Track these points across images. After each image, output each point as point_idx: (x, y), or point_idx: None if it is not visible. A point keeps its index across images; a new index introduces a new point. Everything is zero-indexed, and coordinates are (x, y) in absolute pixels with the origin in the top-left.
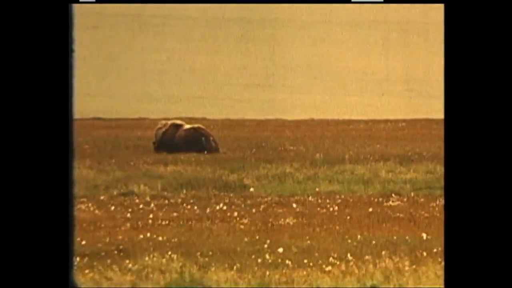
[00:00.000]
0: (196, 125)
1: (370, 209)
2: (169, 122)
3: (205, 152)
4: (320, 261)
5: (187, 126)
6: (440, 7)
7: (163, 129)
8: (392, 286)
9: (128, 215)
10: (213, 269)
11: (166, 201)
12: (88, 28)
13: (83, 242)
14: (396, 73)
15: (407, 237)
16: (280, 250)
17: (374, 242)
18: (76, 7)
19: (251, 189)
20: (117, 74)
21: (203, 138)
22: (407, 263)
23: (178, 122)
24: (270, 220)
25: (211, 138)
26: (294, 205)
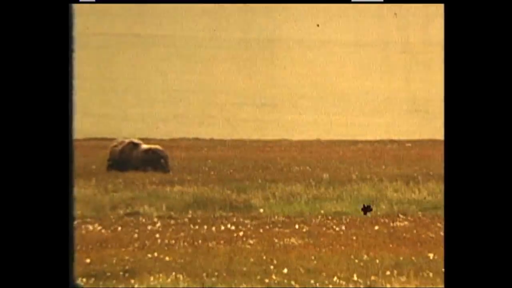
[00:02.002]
0: (153, 146)
1: (376, 229)
2: (126, 141)
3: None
4: (326, 282)
5: (145, 146)
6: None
7: (120, 147)
8: (394, 287)
9: (135, 235)
10: None
11: (173, 221)
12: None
13: (90, 262)
14: (400, 93)
15: (413, 258)
16: (286, 270)
17: (380, 262)
18: (76, 7)
19: (261, 210)
20: (119, 94)
21: (162, 160)
22: (413, 283)
23: (135, 141)
24: (276, 240)
25: (168, 159)
26: (301, 226)
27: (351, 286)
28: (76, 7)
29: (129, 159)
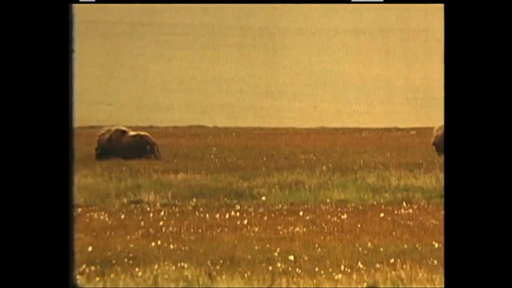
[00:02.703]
0: (141, 133)
1: (381, 217)
2: (113, 129)
3: (149, 158)
4: (330, 269)
5: (132, 133)
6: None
7: (107, 136)
8: (391, 286)
9: (140, 223)
10: (223, 277)
11: (177, 209)
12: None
13: (94, 250)
14: (404, 81)
15: (418, 246)
16: (291, 258)
17: (384, 250)
18: (76, 7)
19: (263, 198)
20: (121, 82)
21: (148, 146)
22: (418, 271)
23: (122, 128)
24: (281, 228)
25: (156, 146)
26: (305, 213)
27: (354, 276)
28: (76, 7)
29: (117, 147)
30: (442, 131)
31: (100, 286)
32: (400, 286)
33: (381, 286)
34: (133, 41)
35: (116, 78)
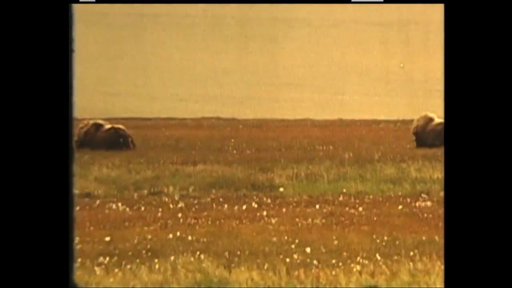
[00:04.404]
0: (116, 126)
1: (399, 209)
2: (91, 122)
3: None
4: (348, 261)
5: (108, 126)
6: None
7: (85, 129)
8: (395, 286)
9: (158, 214)
10: (241, 268)
11: (196, 201)
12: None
13: (112, 241)
14: (424, 73)
15: (436, 237)
16: (308, 250)
17: (402, 242)
18: (76, 7)
19: (281, 189)
20: (143, 74)
21: (121, 139)
22: (435, 263)
23: (100, 122)
24: (299, 220)
25: (130, 138)
26: (323, 205)
27: (372, 268)
28: (76, 7)
29: (93, 139)
30: (422, 122)
31: (100, 286)
32: (400, 286)
33: (381, 286)
34: (150, 32)
35: (132, 69)
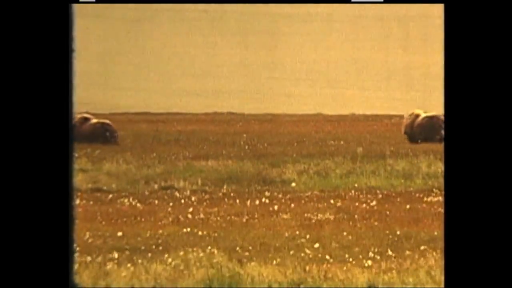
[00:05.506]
0: (102, 120)
1: (410, 205)
2: (78, 116)
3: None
4: (360, 256)
5: (94, 121)
6: None
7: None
8: (407, 281)
9: (169, 209)
10: (253, 263)
11: (207, 196)
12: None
13: (124, 236)
14: (436, 68)
15: None
16: (319, 245)
17: (414, 237)
18: (76, 7)
19: (292, 184)
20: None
21: (107, 133)
22: None
23: (86, 115)
24: (310, 215)
25: (116, 133)
26: (335, 200)
27: (383, 264)
28: (76, 7)
29: (80, 132)
30: (412, 119)
31: (101, 286)
32: (400, 286)
33: (381, 286)
34: (157, 26)
35: (142, 65)
